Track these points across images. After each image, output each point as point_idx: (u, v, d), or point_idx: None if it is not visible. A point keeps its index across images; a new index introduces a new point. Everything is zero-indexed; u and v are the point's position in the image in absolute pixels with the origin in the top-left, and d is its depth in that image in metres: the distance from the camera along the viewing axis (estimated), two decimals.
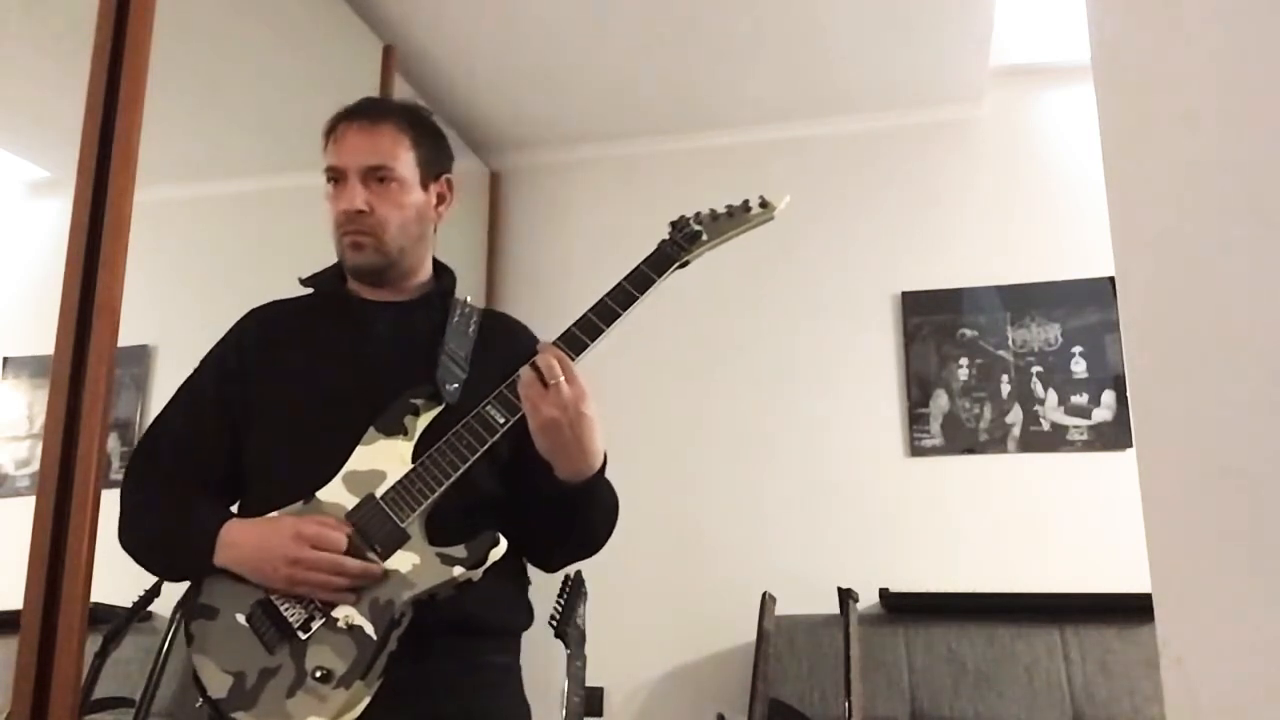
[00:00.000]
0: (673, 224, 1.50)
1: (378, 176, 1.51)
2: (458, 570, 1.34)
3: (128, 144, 1.90)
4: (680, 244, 1.47)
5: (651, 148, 3.66)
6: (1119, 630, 2.84)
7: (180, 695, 2.37)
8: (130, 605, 2.10)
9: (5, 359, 2.36)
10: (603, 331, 1.40)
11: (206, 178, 2.73)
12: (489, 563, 1.35)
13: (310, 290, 1.62)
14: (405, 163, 1.53)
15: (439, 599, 1.35)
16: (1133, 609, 2.78)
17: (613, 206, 3.67)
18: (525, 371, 1.35)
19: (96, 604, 1.77)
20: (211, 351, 1.60)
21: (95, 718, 1.99)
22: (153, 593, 2.12)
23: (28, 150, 2.46)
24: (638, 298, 1.42)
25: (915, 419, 3.26)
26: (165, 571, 1.52)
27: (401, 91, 2.97)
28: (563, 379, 1.33)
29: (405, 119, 1.56)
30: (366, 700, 1.29)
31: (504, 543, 1.36)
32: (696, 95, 3.40)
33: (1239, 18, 0.68)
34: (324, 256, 1.65)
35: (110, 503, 1.80)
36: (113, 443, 2.35)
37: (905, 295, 3.35)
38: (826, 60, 3.19)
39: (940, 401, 3.26)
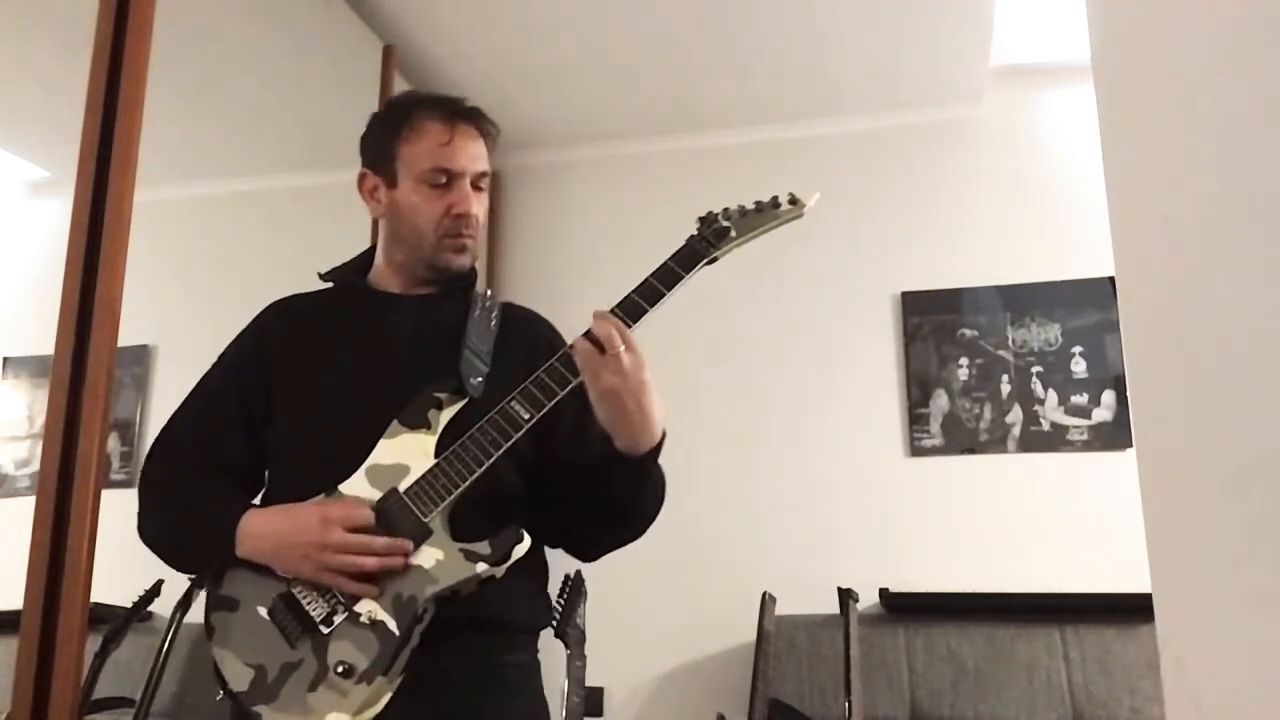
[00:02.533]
0: (701, 220, 1.48)
1: (480, 183, 1.54)
2: (481, 567, 1.32)
3: (128, 144, 1.90)
4: (709, 240, 1.45)
5: (651, 148, 3.66)
6: (1119, 630, 2.84)
7: (181, 695, 2.37)
8: (130, 605, 2.10)
9: (5, 359, 2.36)
10: (629, 327, 1.38)
11: (206, 178, 2.73)
12: (512, 559, 1.33)
13: (329, 284, 1.61)
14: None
15: (461, 595, 1.34)
16: (1133, 609, 2.78)
17: (613, 206, 3.67)
18: (581, 342, 1.34)
19: (96, 604, 1.77)
20: (230, 345, 1.59)
21: (95, 718, 1.99)
22: (153, 593, 2.12)
23: (28, 150, 2.46)
24: (665, 294, 1.40)
25: (915, 419, 3.26)
26: (186, 565, 1.50)
27: (402, 91, 2.98)
28: (621, 347, 1.32)
29: (490, 125, 1.58)
30: (388, 696, 1.28)
31: (528, 539, 1.34)
32: (696, 95, 3.40)
33: (1238, 18, 0.68)
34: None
35: (110, 502, 1.81)
36: (113, 443, 2.36)
37: (905, 295, 3.35)
38: (826, 60, 3.19)
39: (940, 401, 3.26)
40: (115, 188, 1.88)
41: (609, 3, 2.89)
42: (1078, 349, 3.20)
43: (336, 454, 1.41)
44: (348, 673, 1.29)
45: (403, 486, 1.37)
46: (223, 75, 2.61)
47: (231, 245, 2.71)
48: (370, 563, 1.31)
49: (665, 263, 1.44)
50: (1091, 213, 3.10)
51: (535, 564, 1.47)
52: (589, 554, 1.57)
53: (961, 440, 3.22)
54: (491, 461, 1.35)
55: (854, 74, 3.27)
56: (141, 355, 2.49)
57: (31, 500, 1.76)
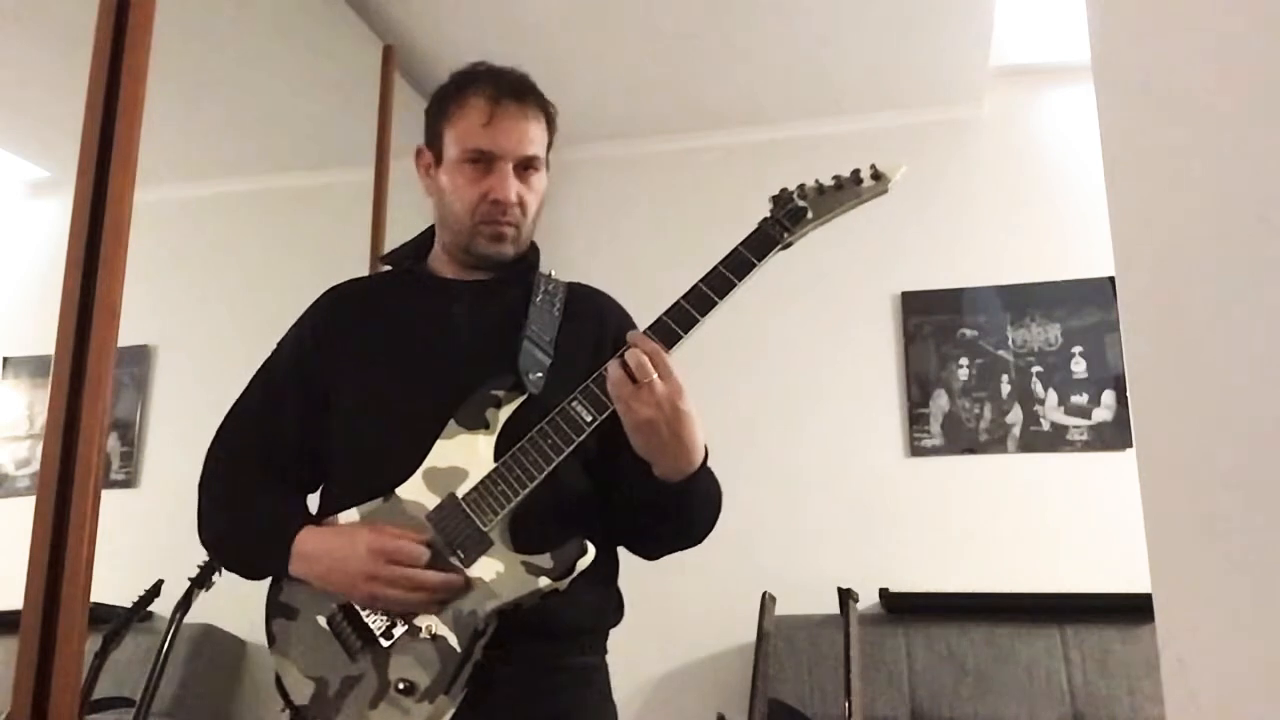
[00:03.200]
0: (774, 199, 1.36)
1: (528, 166, 1.45)
2: (543, 581, 1.26)
3: (128, 144, 1.90)
4: (783, 223, 1.33)
5: (652, 148, 3.66)
6: (1119, 630, 2.84)
7: (180, 695, 2.37)
8: (130, 605, 2.10)
9: (5, 359, 2.36)
10: (698, 321, 1.30)
11: (206, 178, 2.73)
12: (576, 573, 1.26)
13: (387, 268, 1.57)
14: (544, 151, 1.48)
15: (523, 608, 1.28)
16: (1133, 609, 2.78)
17: (613, 206, 3.67)
18: (613, 368, 1.26)
19: (96, 604, 1.77)
20: (288, 334, 1.53)
21: (95, 718, 1.99)
22: (153, 593, 2.12)
23: (28, 150, 2.46)
24: (736, 284, 1.31)
25: (915, 419, 3.26)
26: (242, 574, 1.45)
27: (401, 91, 2.97)
28: (655, 376, 1.25)
29: (544, 104, 1.49)
30: (450, 713, 1.24)
31: (591, 551, 1.28)
32: (697, 95, 3.40)
33: (1238, 18, 0.68)
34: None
35: (110, 502, 1.81)
36: (113, 443, 2.36)
37: (905, 295, 3.35)
38: (826, 60, 3.19)
39: (940, 401, 3.26)
40: (115, 188, 1.88)
41: (609, 3, 2.89)
42: (1078, 349, 3.20)
43: (394, 455, 1.36)
44: (409, 690, 1.25)
45: (461, 492, 1.31)
46: (223, 75, 2.60)
47: (231, 245, 2.71)
48: (420, 599, 1.27)
49: (736, 249, 1.33)
50: (1091, 213, 3.10)
51: (604, 562, 1.40)
52: (649, 557, 1.50)
53: (961, 440, 3.22)
54: (551, 469, 1.29)
55: (854, 74, 3.27)
56: (141, 355, 2.49)
57: (31, 500, 1.76)
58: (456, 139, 1.44)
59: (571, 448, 1.29)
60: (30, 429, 2.31)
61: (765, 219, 1.35)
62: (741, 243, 1.33)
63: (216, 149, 2.69)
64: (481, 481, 1.31)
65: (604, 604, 1.44)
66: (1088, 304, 3.20)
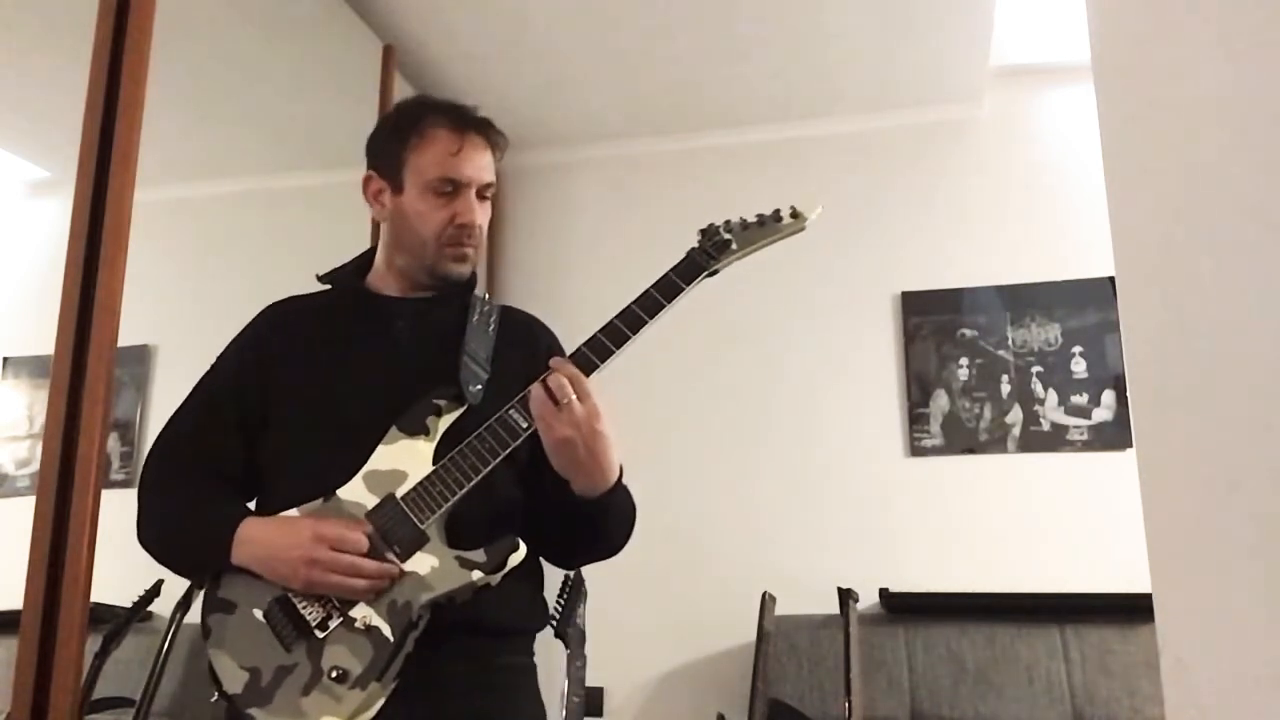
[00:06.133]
0: (702, 232, 1.48)
1: (485, 193, 1.55)
2: (476, 575, 1.34)
3: (128, 144, 1.90)
4: (710, 253, 1.45)
5: (651, 148, 3.66)
6: (1119, 630, 2.84)
7: (181, 695, 2.37)
8: (130, 605, 2.10)
9: (5, 359, 2.36)
10: (628, 338, 1.40)
11: (206, 178, 2.73)
12: (508, 568, 1.35)
13: (327, 287, 1.62)
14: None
15: (456, 601, 1.35)
16: (1133, 609, 2.78)
17: (613, 206, 3.67)
18: (536, 389, 1.35)
19: (96, 604, 1.77)
20: (228, 347, 1.59)
21: (95, 718, 1.99)
22: (153, 593, 2.12)
23: (28, 150, 2.45)
24: (665, 306, 1.41)
25: (915, 419, 3.26)
26: (183, 569, 1.51)
27: (402, 91, 2.97)
28: (574, 397, 1.33)
29: (497, 137, 1.59)
30: (381, 701, 1.30)
31: (523, 548, 1.36)
32: (696, 95, 3.40)
33: (1238, 17, 0.68)
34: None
35: (110, 502, 1.81)
36: (113, 443, 2.36)
37: (905, 295, 3.35)
38: (826, 60, 3.19)
39: (940, 401, 3.26)
40: (115, 188, 1.88)
41: (609, 3, 2.89)
42: (1078, 349, 3.20)
43: (335, 459, 1.42)
44: (342, 677, 1.31)
45: (400, 493, 1.38)
46: (223, 75, 2.60)
47: (231, 245, 2.71)
48: (358, 585, 1.33)
49: (666, 274, 1.44)
50: (1091, 213, 3.10)
51: (531, 567, 1.48)
52: (566, 566, 1.62)
53: (961, 440, 3.22)
54: (488, 470, 1.37)
55: (854, 74, 3.27)
56: (141, 355, 2.49)
57: (31, 500, 1.76)
58: (423, 167, 1.52)
59: (508, 450, 1.38)
60: (30, 429, 2.31)
61: (693, 248, 1.47)
62: (671, 269, 1.45)
63: (216, 149, 2.69)
64: (420, 482, 1.38)
65: (532, 606, 1.52)
66: (1088, 304, 3.20)
